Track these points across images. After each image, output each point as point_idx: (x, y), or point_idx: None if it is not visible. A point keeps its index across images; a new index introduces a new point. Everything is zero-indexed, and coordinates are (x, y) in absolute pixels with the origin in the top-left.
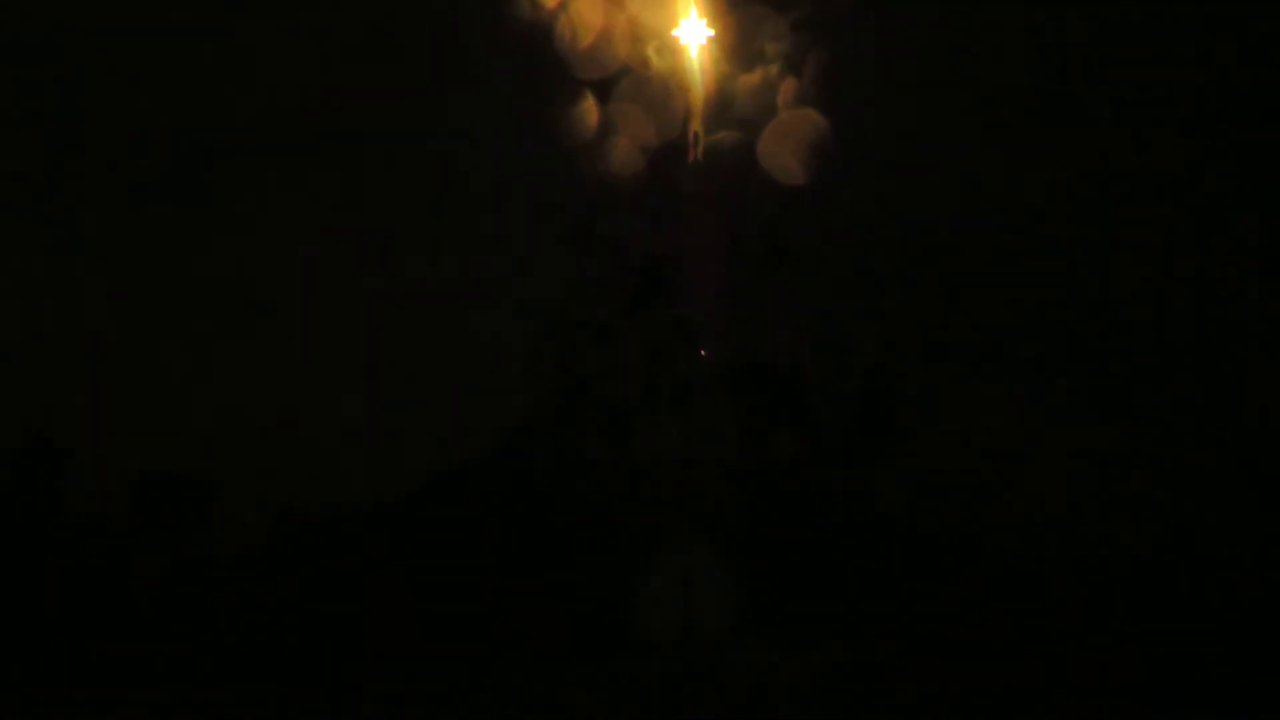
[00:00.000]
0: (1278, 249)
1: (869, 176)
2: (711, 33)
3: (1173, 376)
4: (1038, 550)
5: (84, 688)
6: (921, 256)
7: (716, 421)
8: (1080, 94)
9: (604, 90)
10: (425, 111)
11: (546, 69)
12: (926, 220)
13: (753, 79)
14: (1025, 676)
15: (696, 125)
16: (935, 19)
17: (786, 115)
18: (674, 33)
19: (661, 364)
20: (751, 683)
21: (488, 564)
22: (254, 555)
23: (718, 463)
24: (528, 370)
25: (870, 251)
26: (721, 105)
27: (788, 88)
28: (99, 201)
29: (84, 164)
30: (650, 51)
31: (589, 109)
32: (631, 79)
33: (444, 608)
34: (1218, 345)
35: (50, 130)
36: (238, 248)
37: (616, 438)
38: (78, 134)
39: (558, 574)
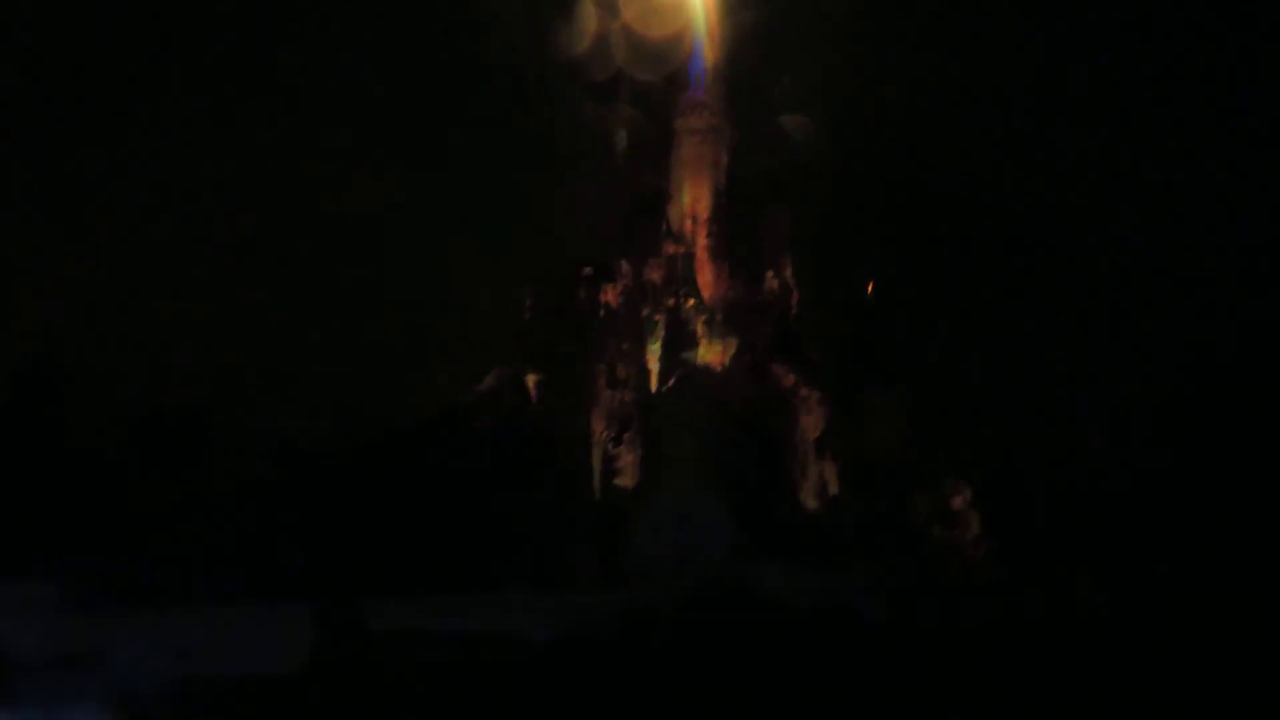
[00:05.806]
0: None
1: (865, 118)
2: None
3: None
4: (1018, 480)
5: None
6: (913, 200)
7: (709, 359)
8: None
9: (603, 29)
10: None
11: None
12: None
13: (755, 16)
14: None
15: (697, 58)
16: None
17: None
18: None
19: (656, 302)
20: (744, 608)
21: (482, 497)
22: (250, 489)
23: (711, 399)
24: (522, 310)
25: (864, 190)
26: (723, 38)
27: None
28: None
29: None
30: None
31: (589, 43)
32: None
33: (436, 540)
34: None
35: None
36: (226, 176)
37: (610, 375)
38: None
39: (552, 506)
